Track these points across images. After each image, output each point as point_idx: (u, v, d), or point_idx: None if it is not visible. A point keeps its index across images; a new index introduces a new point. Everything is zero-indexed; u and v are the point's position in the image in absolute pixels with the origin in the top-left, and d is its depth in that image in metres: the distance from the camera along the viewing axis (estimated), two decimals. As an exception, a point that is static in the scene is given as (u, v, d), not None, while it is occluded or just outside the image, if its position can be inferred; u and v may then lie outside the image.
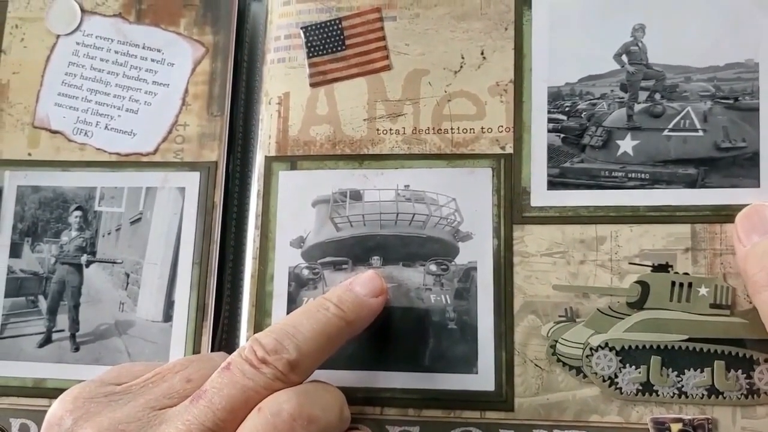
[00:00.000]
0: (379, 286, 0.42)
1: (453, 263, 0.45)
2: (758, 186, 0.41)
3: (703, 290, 0.41)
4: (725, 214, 0.41)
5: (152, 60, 0.50)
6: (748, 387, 0.40)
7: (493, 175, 0.45)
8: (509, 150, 0.45)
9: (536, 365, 0.43)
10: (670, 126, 0.43)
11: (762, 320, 0.38)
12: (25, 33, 0.51)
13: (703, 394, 0.41)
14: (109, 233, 0.48)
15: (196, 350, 0.46)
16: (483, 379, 0.43)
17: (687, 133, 0.43)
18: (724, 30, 0.43)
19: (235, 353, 0.37)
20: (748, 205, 0.41)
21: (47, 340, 0.47)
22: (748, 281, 0.39)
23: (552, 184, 0.44)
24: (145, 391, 0.37)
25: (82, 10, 0.51)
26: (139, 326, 0.47)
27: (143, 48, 0.50)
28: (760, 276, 0.38)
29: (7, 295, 0.48)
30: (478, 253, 0.44)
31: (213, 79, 0.49)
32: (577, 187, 0.44)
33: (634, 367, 0.42)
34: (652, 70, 0.44)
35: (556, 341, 0.43)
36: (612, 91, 0.44)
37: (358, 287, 0.41)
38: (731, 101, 0.42)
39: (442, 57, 0.47)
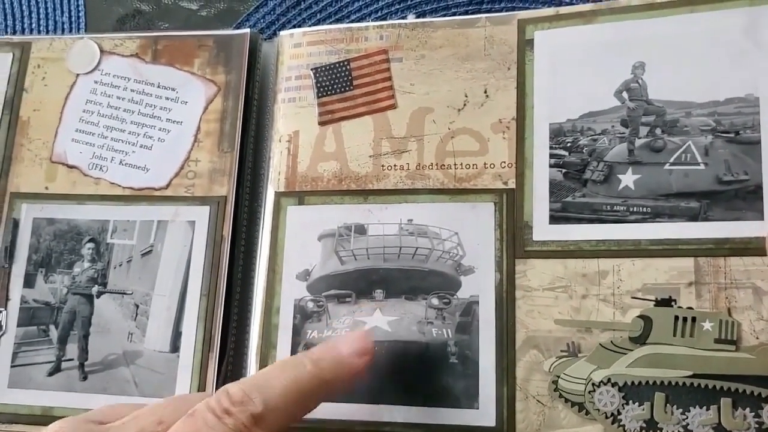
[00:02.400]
0: (364, 346, 0.40)
1: (455, 297, 0.45)
2: (762, 219, 0.41)
3: (707, 325, 0.41)
4: (729, 248, 0.41)
5: (167, 98, 0.52)
6: (757, 426, 0.39)
7: (495, 210, 0.45)
8: (511, 185, 0.45)
9: (538, 401, 0.42)
10: (671, 160, 0.43)
11: None
12: (46, 72, 0.54)
13: (709, 433, 0.40)
14: (120, 265, 0.49)
15: (202, 381, 0.46)
16: (484, 414, 0.43)
17: (688, 167, 0.43)
18: (723, 66, 0.43)
19: (203, 401, 0.37)
20: (752, 238, 0.41)
21: (57, 369, 0.48)
22: None
23: (554, 219, 0.44)
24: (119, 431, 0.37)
25: (101, 51, 0.53)
26: (147, 356, 0.47)
27: (158, 87, 0.52)
28: None
29: (19, 324, 0.49)
30: (480, 287, 0.44)
31: (224, 117, 0.51)
32: (579, 221, 0.44)
33: (637, 403, 0.41)
34: (652, 106, 0.44)
35: (558, 377, 0.42)
36: (613, 126, 0.45)
37: (343, 346, 0.40)
38: (732, 135, 0.42)
39: (446, 96, 0.48)
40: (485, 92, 0.47)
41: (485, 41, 0.48)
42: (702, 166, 0.43)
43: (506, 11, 0.48)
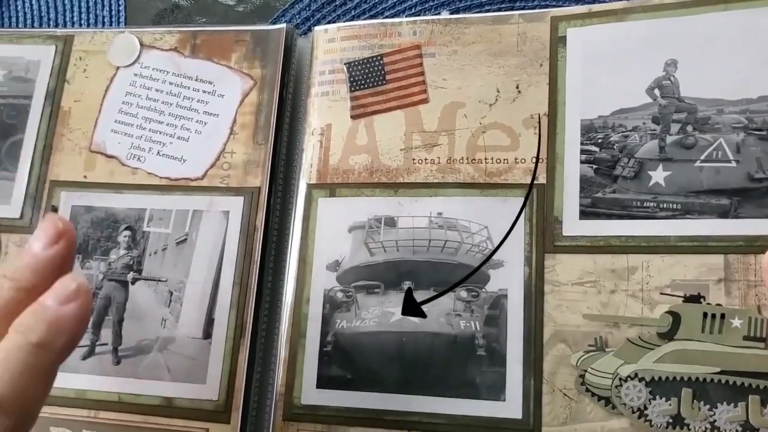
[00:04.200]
0: (53, 231, 0.34)
1: (483, 290, 0.45)
2: (793, 217, 0.41)
3: (736, 322, 0.41)
4: (759, 245, 0.41)
5: (204, 91, 0.53)
6: (784, 423, 0.39)
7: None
8: (542, 180, 0.46)
9: (565, 395, 0.42)
10: (703, 157, 0.43)
11: None
12: (87, 64, 0.55)
13: (737, 430, 0.40)
14: (155, 252, 0.51)
15: (234, 367, 0.47)
16: (510, 406, 0.43)
17: (719, 164, 0.43)
18: (756, 63, 0.43)
19: None
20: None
21: (90, 353, 0.49)
22: None
23: (584, 214, 0.45)
24: None
25: (142, 45, 0.54)
26: (180, 342, 0.48)
27: (196, 80, 0.53)
28: None
29: (56, 309, 0.50)
30: (508, 280, 0.45)
31: (260, 110, 0.52)
32: (609, 217, 0.44)
33: (664, 399, 0.41)
34: (684, 104, 0.44)
35: (586, 371, 0.42)
36: (644, 123, 0.45)
37: (34, 243, 0.34)
38: (764, 132, 0.42)
39: (478, 91, 0.48)
40: (517, 88, 0.47)
41: (518, 38, 0.48)
42: (733, 164, 0.43)
43: (539, 9, 0.48)
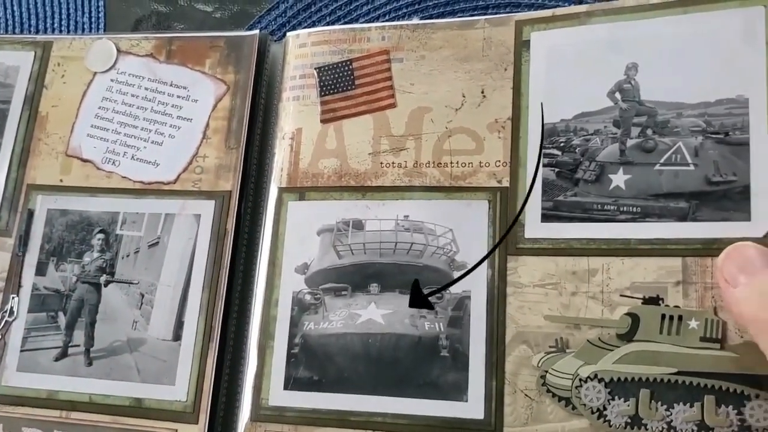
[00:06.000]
0: None
1: (447, 292, 0.46)
2: (749, 219, 0.41)
3: (693, 323, 0.41)
4: (716, 248, 0.41)
5: (178, 96, 0.54)
6: (739, 423, 0.39)
7: (489, 207, 0.46)
8: (505, 183, 0.46)
9: (526, 395, 0.43)
10: (662, 161, 0.44)
11: None
12: (65, 70, 0.56)
13: (693, 430, 0.40)
14: (128, 255, 0.51)
15: (202, 369, 0.48)
16: (473, 407, 0.43)
17: (678, 168, 0.43)
18: (715, 67, 0.44)
19: None
20: (739, 239, 0.41)
21: (63, 354, 0.50)
22: (749, 323, 0.38)
23: (546, 217, 0.45)
24: None
25: (118, 51, 0.55)
26: (150, 344, 0.49)
27: (171, 85, 0.54)
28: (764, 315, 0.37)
29: (30, 311, 0.51)
30: (472, 282, 0.45)
31: (232, 114, 0.52)
32: (570, 220, 0.45)
33: (622, 399, 0.41)
34: (644, 107, 0.45)
35: (547, 372, 0.43)
36: (605, 127, 0.45)
37: None
38: (722, 136, 0.43)
39: (444, 95, 0.49)
40: (482, 92, 0.48)
41: (483, 42, 0.49)
42: (692, 167, 0.43)
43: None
